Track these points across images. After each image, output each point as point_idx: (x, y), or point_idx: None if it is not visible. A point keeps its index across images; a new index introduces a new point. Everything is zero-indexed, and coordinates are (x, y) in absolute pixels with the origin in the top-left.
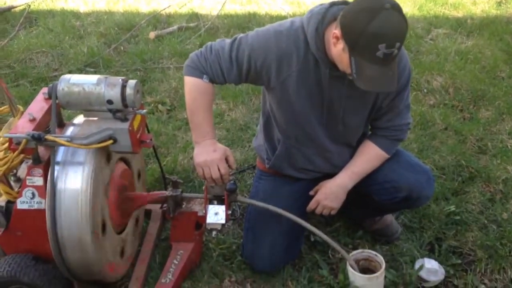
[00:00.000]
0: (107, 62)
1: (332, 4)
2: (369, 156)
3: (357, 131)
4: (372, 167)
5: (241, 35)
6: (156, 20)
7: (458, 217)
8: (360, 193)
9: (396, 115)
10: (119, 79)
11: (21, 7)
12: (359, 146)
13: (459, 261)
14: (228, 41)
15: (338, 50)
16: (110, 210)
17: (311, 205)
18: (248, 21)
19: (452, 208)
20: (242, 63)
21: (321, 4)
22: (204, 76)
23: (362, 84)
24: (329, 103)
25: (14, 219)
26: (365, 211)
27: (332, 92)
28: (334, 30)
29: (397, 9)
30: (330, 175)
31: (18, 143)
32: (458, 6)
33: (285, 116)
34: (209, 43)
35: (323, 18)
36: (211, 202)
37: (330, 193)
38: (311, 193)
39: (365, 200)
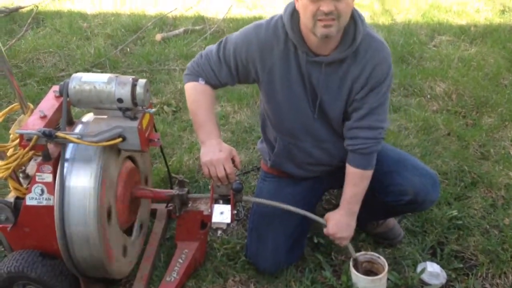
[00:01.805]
0: (114, 63)
1: None
2: (352, 180)
3: (339, 121)
4: (363, 187)
5: (228, 36)
6: (163, 22)
7: (460, 222)
8: (365, 195)
9: (368, 114)
10: (129, 78)
11: (28, 8)
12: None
13: (461, 265)
14: (216, 44)
15: (301, 4)
16: (117, 207)
17: (328, 234)
18: None
19: (455, 212)
20: (229, 60)
21: None
22: (200, 78)
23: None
24: (311, 91)
25: (22, 215)
26: (369, 214)
27: (311, 79)
28: None
29: None
30: (331, 175)
31: (29, 140)
32: (461, 14)
33: (276, 110)
34: (200, 52)
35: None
36: (216, 202)
37: (342, 225)
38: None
39: (370, 202)
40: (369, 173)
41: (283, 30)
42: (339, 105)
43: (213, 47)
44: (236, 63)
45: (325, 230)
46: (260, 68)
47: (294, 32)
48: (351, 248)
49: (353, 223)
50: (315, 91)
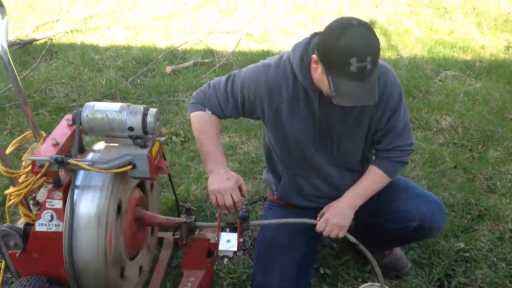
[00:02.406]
0: (124, 94)
1: (314, 35)
2: (371, 178)
3: (355, 156)
4: (375, 189)
5: (236, 71)
6: (173, 55)
7: (467, 254)
8: (372, 224)
9: (397, 136)
10: (141, 107)
11: (42, 41)
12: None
13: None
14: (224, 77)
15: (318, 73)
16: (125, 235)
17: (320, 226)
18: (262, 58)
19: (462, 245)
20: (236, 95)
21: (306, 37)
22: (206, 109)
23: (341, 101)
24: (322, 129)
25: (31, 241)
26: (376, 244)
27: (324, 118)
28: (313, 55)
29: (365, 25)
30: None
31: (41, 166)
32: (467, 50)
33: (282, 146)
34: (208, 82)
35: (306, 47)
36: (223, 230)
37: (339, 212)
38: (318, 218)
39: (377, 231)
40: (388, 180)
41: (292, 73)
42: (357, 138)
43: (221, 79)
44: (243, 99)
45: (318, 225)
46: (267, 106)
47: (304, 78)
48: (350, 237)
49: (350, 214)
50: (325, 128)
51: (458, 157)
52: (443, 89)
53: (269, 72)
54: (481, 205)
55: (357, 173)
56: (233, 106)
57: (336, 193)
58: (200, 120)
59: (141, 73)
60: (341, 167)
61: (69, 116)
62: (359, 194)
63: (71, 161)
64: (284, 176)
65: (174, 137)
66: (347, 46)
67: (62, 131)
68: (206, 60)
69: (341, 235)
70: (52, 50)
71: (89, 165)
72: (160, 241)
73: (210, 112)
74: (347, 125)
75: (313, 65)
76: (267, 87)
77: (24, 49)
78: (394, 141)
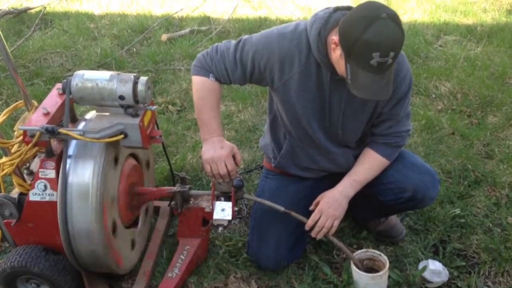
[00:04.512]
0: (120, 63)
1: (336, 9)
2: (370, 164)
3: (355, 136)
4: (373, 175)
5: (246, 36)
6: (169, 23)
7: (463, 220)
8: (364, 194)
9: (396, 123)
10: (131, 76)
11: (37, 9)
12: (360, 155)
13: (463, 263)
14: (233, 42)
15: (336, 55)
16: (119, 204)
17: (314, 216)
18: (259, 25)
19: (457, 211)
20: (246, 63)
21: (326, 8)
22: (210, 75)
23: (356, 91)
24: (330, 107)
25: (26, 211)
26: (370, 212)
27: (332, 95)
28: (333, 37)
29: (394, 19)
30: (335, 174)
31: (32, 136)
32: (468, 14)
33: (288, 117)
34: (216, 44)
35: (326, 22)
36: (218, 199)
37: (333, 202)
38: (311, 208)
39: (370, 201)
40: (387, 163)
41: (307, 45)
42: (361, 119)
43: (230, 44)
44: (252, 68)
45: (317, 209)
46: (277, 76)
47: (320, 53)
48: (334, 240)
49: (344, 205)
50: (333, 106)
51: (456, 123)
52: (443, 54)
53: (284, 42)
54: (478, 171)
55: (357, 150)
56: (241, 74)
57: (336, 168)
58: (202, 87)
59: (137, 41)
60: (342, 146)
61: (60, 85)
62: (356, 181)
63: (62, 130)
64: (286, 144)
65: (170, 106)
66: (372, 41)
67: (53, 100)
68: (203, 28)
69: (335, 224)
70: (46, 19)
71: (80, 135)
72: (157, 210)
73: (214, 79)
74: (353, 104)
75: (333, 46)
76: (279, 58)
77: (18, 18)
78: (392, 127)
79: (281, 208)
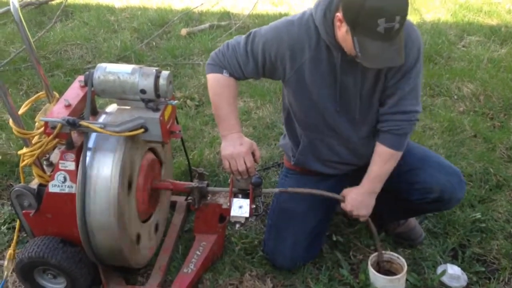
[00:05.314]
0: (139, 57)
1: None
2: (381, 158)
3: (372, 121)
4: (389, 168)
5: (256, 29)
6: (189, 17)
7: (483, 225)
8: (391, 193)
9: (401, 99)
10: (153, 70)
11: (58, 1)
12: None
13: (483, 269)
14: (243, 36)
15: (342, 33)
16: (137, 197)
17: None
18: None
19: (478, 215)
20: (257, 55)
21: None
22: (224, 71)
23: (367, 62)
24: (345, 89)
25: (45, 202)
26: (391, 213)
27: (346, 77)
28: (337, 13)
29: None
30: (354, 175)
31: (53, 128)
32: (492, 14)
33: (303, 107)
34: (227, 41)
35: (330, 3)
36: (236, 195)
37: (359, 202)
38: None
39: (394, 201)
40: (398, 154)
41: (315, 30)
42: (375, 100)
43: (240, 38)
44: (264, 59)
45: (342, 205)
46: (289, 65)
47: (327, 34)
48: (372, 226)
49: (372, 202)
50: (347, 88)
51: (478, 125)
52: (466, 55)
53: (292, 30)
54: (500, 175)
55: (375, 141)
56: (253, 67)
57: (356, 159)
58: (217, 83)
59: (156, 35)
60: (362, 131)
61: (81, 78)
62: (376, 178)
63: (83, 123)
64: (303, 139)
65: (188, 101)
66: (375, 6)
67: (74, 92)
68: (223, 23)
69: (362, 219)
70: (67, 11)
71: (100, 128)
72: (173, 205)
73: (228, 75)
74: (368, 84)
75: (338, 23)
76: (289, 46)
77: (40, 9)
78: (397, 103)
79: (318, 192)
